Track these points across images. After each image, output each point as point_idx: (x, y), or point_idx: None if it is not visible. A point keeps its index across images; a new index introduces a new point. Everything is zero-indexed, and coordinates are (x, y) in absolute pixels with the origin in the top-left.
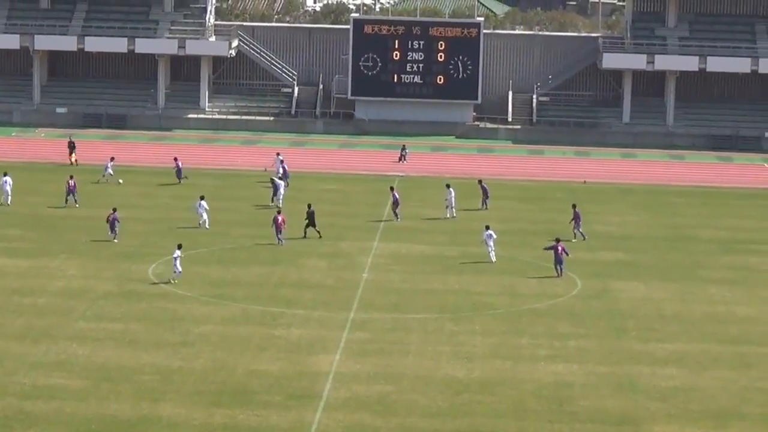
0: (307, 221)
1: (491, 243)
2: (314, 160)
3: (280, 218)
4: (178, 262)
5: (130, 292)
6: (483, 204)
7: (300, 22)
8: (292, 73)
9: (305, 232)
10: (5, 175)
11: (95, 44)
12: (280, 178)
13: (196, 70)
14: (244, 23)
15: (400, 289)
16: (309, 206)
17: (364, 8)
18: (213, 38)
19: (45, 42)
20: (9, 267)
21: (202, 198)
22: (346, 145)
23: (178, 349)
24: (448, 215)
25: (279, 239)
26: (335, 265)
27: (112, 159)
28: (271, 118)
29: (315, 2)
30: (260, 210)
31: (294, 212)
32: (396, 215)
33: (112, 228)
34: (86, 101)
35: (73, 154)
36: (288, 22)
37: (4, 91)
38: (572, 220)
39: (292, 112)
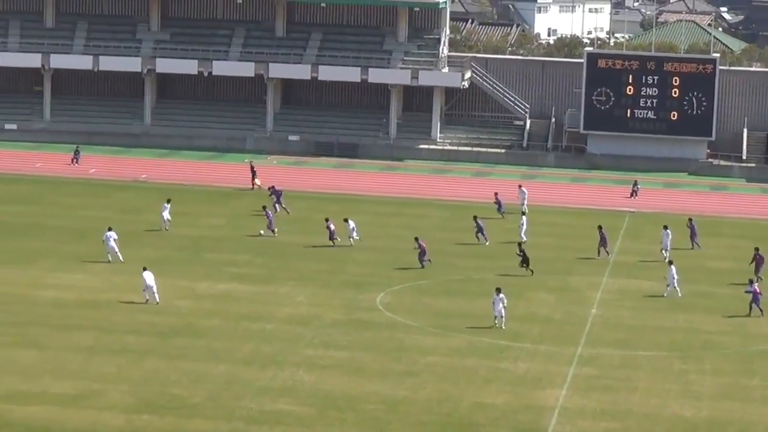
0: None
1: (672, 279)
2: (544, 193)
3: (423, 244)
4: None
5: (358, 321)
6: (693, 243)
7: (533, 55)
8: (524, 105)
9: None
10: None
11: (329, 73)
12: (523, 213)
13: (428, 100)
14: (477, 55)
15: (628, 326)
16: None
17: (598, 42)
18: (446, 69)
19: (279, 70)
20: (239, 292)
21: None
22: (577, 179)
23: (404, 379)
24: (665, 257)
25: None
26: (563, 300)
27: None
28: (503, 151)
29: (549, 35)
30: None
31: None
32: (601, 252)
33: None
34: (318, 129)
35: (256, 179)
36: (521, 54)
37: (238, 118)
38: (751, 262)
39: (524, 145)
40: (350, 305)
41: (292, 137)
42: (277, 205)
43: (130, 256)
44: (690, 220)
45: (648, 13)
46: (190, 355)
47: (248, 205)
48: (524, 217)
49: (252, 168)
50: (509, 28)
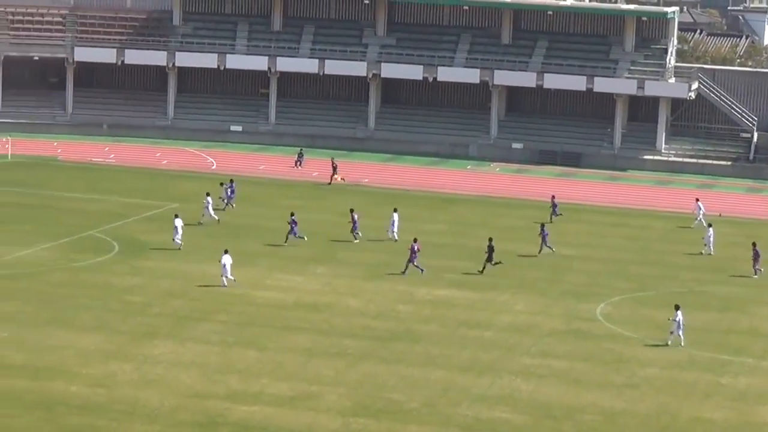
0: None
1: None
2: None
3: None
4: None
5: (577, 331)
6: None
7: (762, 67)
8: (751, 118)
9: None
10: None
11: (554, 81)
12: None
13: (654, 111)
14: (705, 66)
15: None
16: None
17: None
18: (672, 80)
19: (504, 77)
20: (458, 298)
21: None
22: None
23: (623, 390)
24: None
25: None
26: None
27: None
28: (729, 163)
29: None
30: (704, 255)
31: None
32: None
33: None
34: (542, 138)
35: (337, 175)
36: (750, 66)
37: (462, 125)
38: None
39: (750, 157)
40: (569, 315)
41: (515, 145)
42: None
43: (350, 261)
44: None
45: None
46: (408, 360)
47: (469, 211)
48: (710, 229)
49: (333, 164)
50: (738, 39)
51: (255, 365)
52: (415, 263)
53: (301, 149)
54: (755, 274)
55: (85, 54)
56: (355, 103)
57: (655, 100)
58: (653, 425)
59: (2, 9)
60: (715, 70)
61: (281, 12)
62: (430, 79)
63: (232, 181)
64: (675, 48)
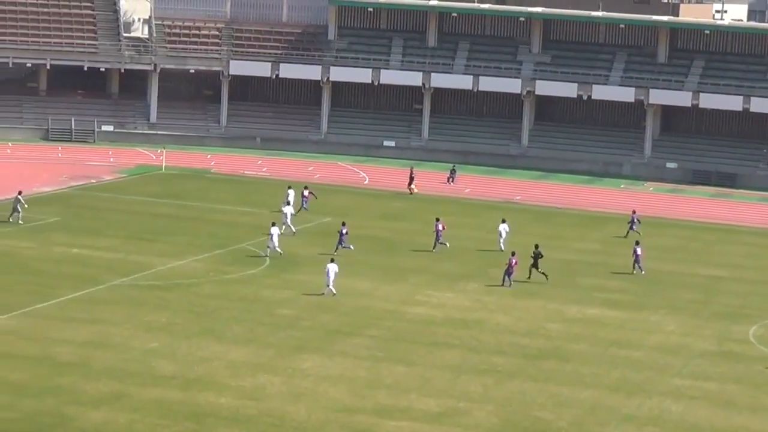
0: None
1: None
2: None
3: (514, 260)
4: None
5: (728, 353)
6: None
7: None
8: None
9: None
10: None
11: (710, 101)
12: None
13: None
14: None
15: None
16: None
17: None
18: None
19: (660, 96)
20: (608, 318)
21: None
22: None
23: None
24: None
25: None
26: None
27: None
28: None
29: None
30: None
31: None
32: None
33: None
34: (697, 158)
35: (413, 185)
36: None
37: (616, 143)
38: None
39: None
40: (721, 336)
41: (669, 164)
42: None
43: (498, 278)
44: None
45: None
46: (557, 379)
47: (621, 230)
48: None
49: (411, 174)
50: None
51: (403, 380)
52: (440, 240)
53: (454, 165)
54: None
55: (240, 67)
56: (508, 120)
57: None
58: None
59: (159, 22)
60: None
61: (436, 28)
62: (585, 97)
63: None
64: None
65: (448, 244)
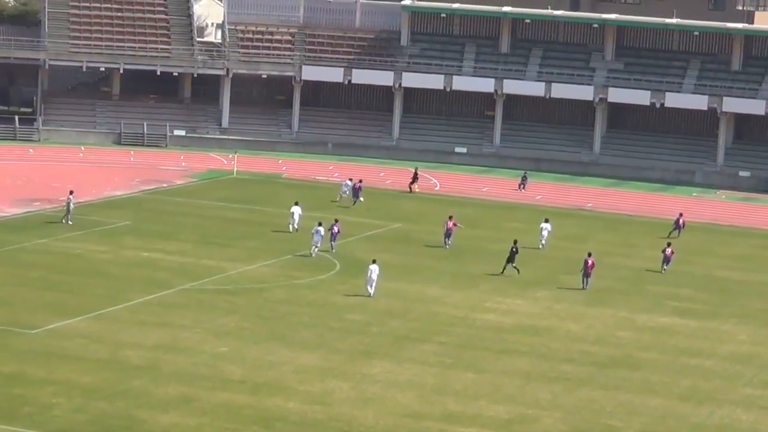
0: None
1: None
2: None
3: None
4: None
5: None
6: None
7: None
8: None
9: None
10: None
11: None
12: None
13: None
14: None
15: None
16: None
17: None
18: None
19: (733, 104)
20: (679, 326)
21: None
22: None
23: None
24: None
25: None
26: None
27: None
28: None
29: None
30: None
31: None
32: None
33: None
34: None
35: (415, 184)
36: None
37: (688, 151)
38: None
39: None
40: None
41: (742, 173)
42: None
43: (572, 285)
44: None
45: None
46: (626, 387)
47: (695, 239)
48: None
49: (416, 173)
50: None
51: (472, 387)
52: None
53: (525, 172)
54: None
55: (312, 73)
56: (580, 127)
57: None
58: None
59: (232, 27)
60: None
61: (509, 34)
62: (658, 105)
63: (360, 181)
64: None
65: (449, 246)
